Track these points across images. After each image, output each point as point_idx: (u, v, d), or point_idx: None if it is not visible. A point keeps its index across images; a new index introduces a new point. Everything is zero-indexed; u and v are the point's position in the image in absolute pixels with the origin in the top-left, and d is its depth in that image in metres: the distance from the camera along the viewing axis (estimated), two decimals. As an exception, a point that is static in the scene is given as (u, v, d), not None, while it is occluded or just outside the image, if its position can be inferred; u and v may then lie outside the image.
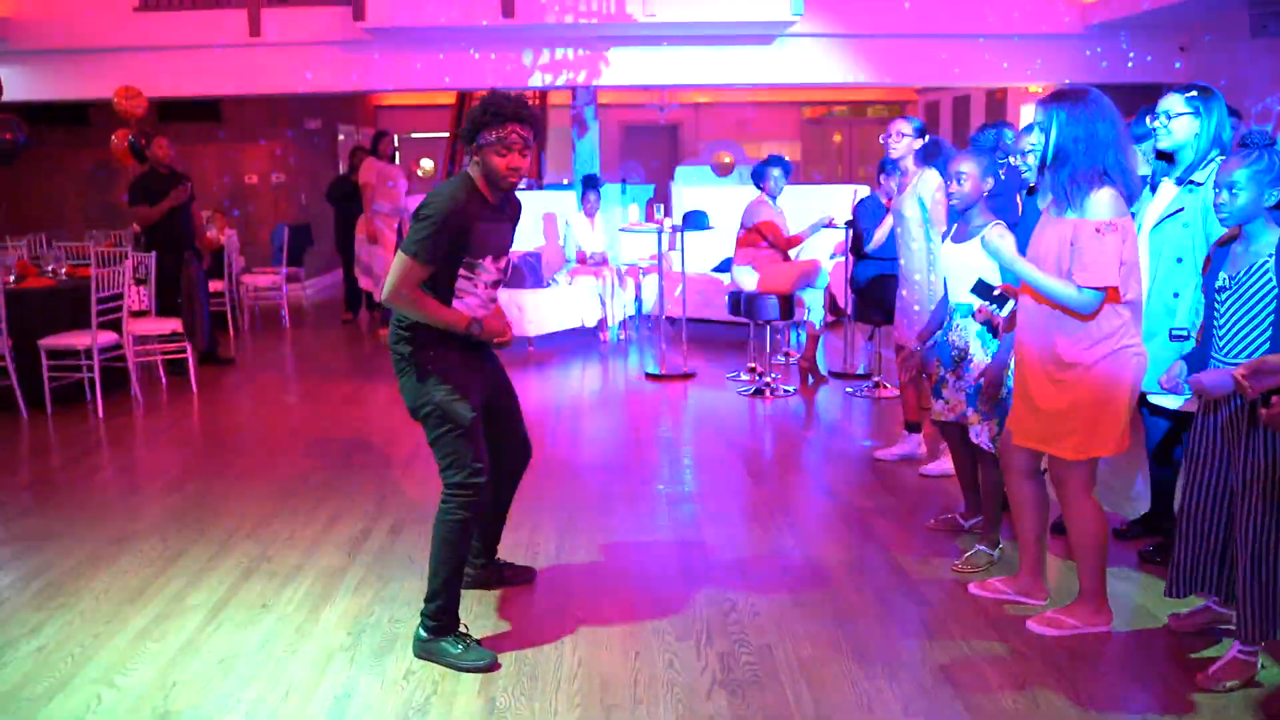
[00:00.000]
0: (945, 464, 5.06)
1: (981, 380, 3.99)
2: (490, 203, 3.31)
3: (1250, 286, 2.94)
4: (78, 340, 6.59)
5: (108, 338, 6.74)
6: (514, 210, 3.51)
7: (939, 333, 4.24)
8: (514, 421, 3.69)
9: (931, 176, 5.17)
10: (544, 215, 9.91)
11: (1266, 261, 2.90)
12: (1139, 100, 4.63)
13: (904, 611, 3.70)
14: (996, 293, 3.85)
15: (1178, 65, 10.51)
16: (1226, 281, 3.02)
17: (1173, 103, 3.87)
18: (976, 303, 3.93)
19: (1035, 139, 3.28)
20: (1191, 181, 3.82)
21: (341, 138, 14.56)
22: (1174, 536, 3.36)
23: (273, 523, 4.68)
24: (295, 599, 3.85)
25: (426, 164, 16.03)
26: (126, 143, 8.41)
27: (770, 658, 3.36)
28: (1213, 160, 3.78)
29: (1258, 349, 2.93)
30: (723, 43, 10.55)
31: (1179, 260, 3.82)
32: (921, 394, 5.29)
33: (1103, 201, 3.17)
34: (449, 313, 3.29)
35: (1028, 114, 12.60)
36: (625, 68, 10.65)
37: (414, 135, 16.23)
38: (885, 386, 6.83)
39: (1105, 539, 3.43)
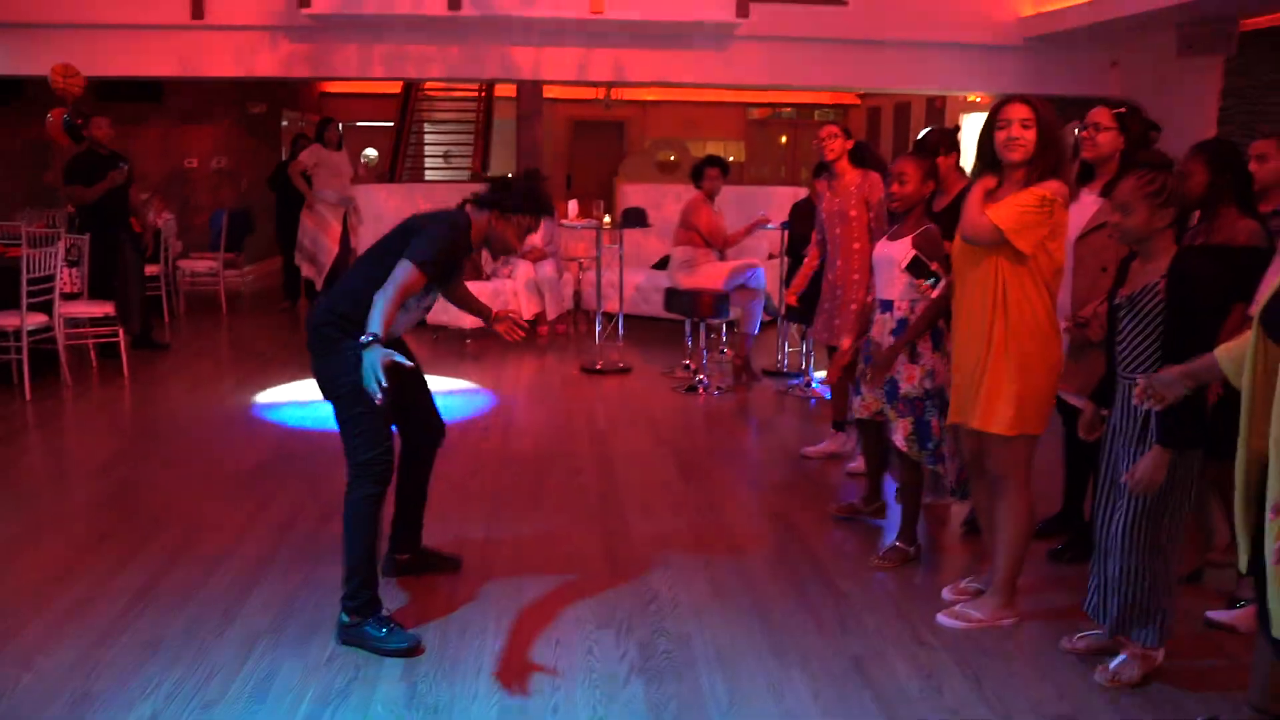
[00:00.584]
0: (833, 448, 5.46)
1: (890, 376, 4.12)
2: (469, 247, 3.54)
3: (1144, 305, 3.04)
4: (6, 321, 6.50)
5: (37, 319, 6.66)
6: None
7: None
8: (425, 403, 3.83)
9: (878, 180, 5.32)
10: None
11: (1158, 282, 3.00)
12: (1072, 115, 4.81)
13: (820, 603, 3.81)
14: (931, 273, 4.00)
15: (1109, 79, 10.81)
16: (1124, 300, 3.13)
17: (1101, 115, 4.04)
18: (910, 281, 4.07)
19: None
20: None
21: (285, 123, 14.43)
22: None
23: (202, 508, 4.68)
24: (222, 584, 3.87)
25: (370, 153, 15.94)
26: (62, 121, 8.29)
27: (688, 647, 3.45)
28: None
29: (1151, 367, 3.03)
30: (669, 44, 10.63)
31: (1104, 270, 3.98)
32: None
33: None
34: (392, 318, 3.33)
35: (966, 122, 12.88)
36: (571, 64, 10.70)
37: (359, 124, 16.13)
38: (815, 385, 6.98)
39: (1031, 535, 3.58)
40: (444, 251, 3.38)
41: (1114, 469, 3.22)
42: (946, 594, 3.89)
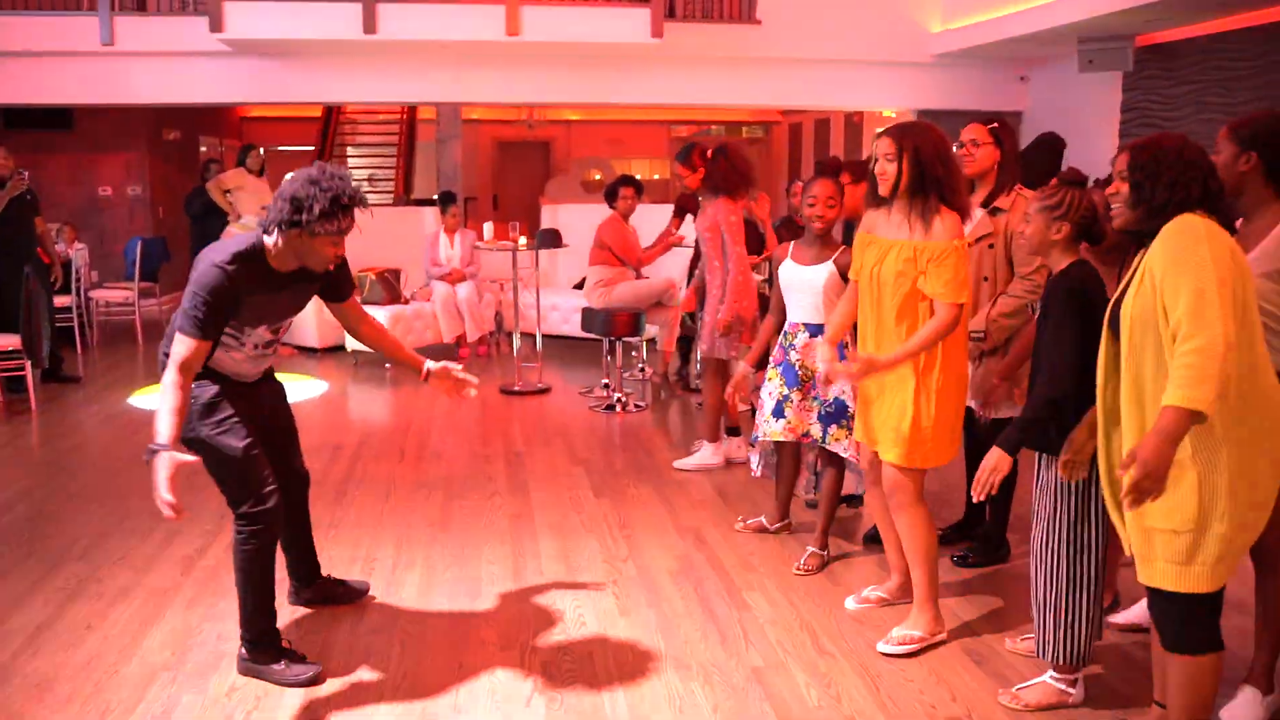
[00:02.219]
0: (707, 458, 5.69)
1: (838, 397, 4.20)
2: (278, 273, 3.22)
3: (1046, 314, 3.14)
4: (-95, 357, 6.34)
5: (-61, 354, 6.50)
6: (308, 273, 3.31)
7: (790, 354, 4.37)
8: (286, 454, 3.64)
9: (764, 199, 5.45)
10: (405, 231, 9.91)
11: (1050, 290, 3.11)
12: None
13: (725, 618, 3.86)
14: None
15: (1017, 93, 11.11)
16: (1037, 308, 3.24)
17: (976, 131, 4.17)
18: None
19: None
20: (996, 207, 4.12)
21: (204, 149, 14.25)
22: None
23: (106, 542, 4.61)
24: (122, 619, 3.82)
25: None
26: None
27: (590, 665, 3.48)
28: (1014, 187, 4.12)
29: None
30: (587, 64, 10.72)
31: (985, 279, 4.12)
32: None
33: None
34: (164, 422, 2.99)
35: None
36: (490, 85, 10.74)
37: (281, 148, 15.97)
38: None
39: (934, 544, 3.60)
40: (212, 304, 3.06)
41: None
42: (850, 603, 3.97)
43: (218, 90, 10.61)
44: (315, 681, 3.33)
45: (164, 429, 2.94)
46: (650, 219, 8.58)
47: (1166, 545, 2.58)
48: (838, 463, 4.31)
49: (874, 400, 3.60)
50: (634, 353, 8.33)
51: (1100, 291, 3.01)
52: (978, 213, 4.16)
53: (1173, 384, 2.40)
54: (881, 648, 3.58)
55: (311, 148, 15.04)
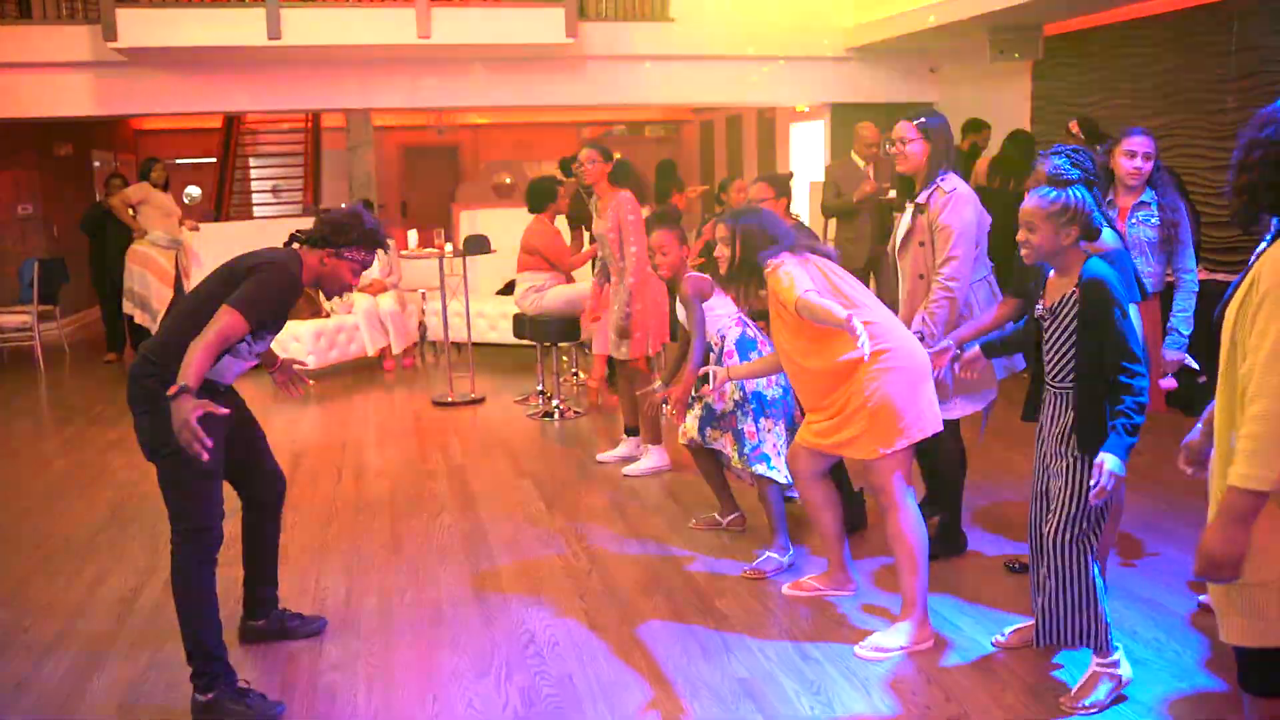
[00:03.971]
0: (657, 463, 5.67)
1: (712, 399, 4.38)
2: (299, 291, 3.35)
3: (1063, 316, 3.07)
4: None
5: None
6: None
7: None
8: (261, 453, 3.62)
9: (627, 197, 5.55)
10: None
11: (1073, 292, 3.03)
12: (896, 120, 4.91)
13: (702, 629, 3.74)
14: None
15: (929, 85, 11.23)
16: (1045, 311, 3.15)
17: (903, 129, 4.12)
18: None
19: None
20: (920, 205, 4.06)
21: (98, 164, 13.63)
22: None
23: (29, 588, 4.30)
24: (58, 672, 3.54)
25: (193, 190, 15.23)
26: None
27: (571, 686, 3.34)
28: (939, 181, 4.05)
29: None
30: (500, 66, 10.52)
31: (920, 276, 4.07)
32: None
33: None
34: (195, 369, 3.02)
35: (796, 132, 13.19)
36: (400, 90, 10.46)
37: (179, 160, 15.40)
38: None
39: (923, 551, 3.51)
40: (273, 298, 3.18)
41: (1045, 477, 3.23)
42: (786, 590, 4.00)
43: (111, 102, 10.11)
44: (280, 723, 3.13)
45: (190, 374, 2.94)
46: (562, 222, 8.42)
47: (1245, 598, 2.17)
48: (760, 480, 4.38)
49: (823, 408, 3.60)
50: (564, 358, 8.17)
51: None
52: (908, 213, 4.13)
53: (1236, 456, 2.06)
54: (860, 654, 3.50)
55: (213, 160, 14.54)
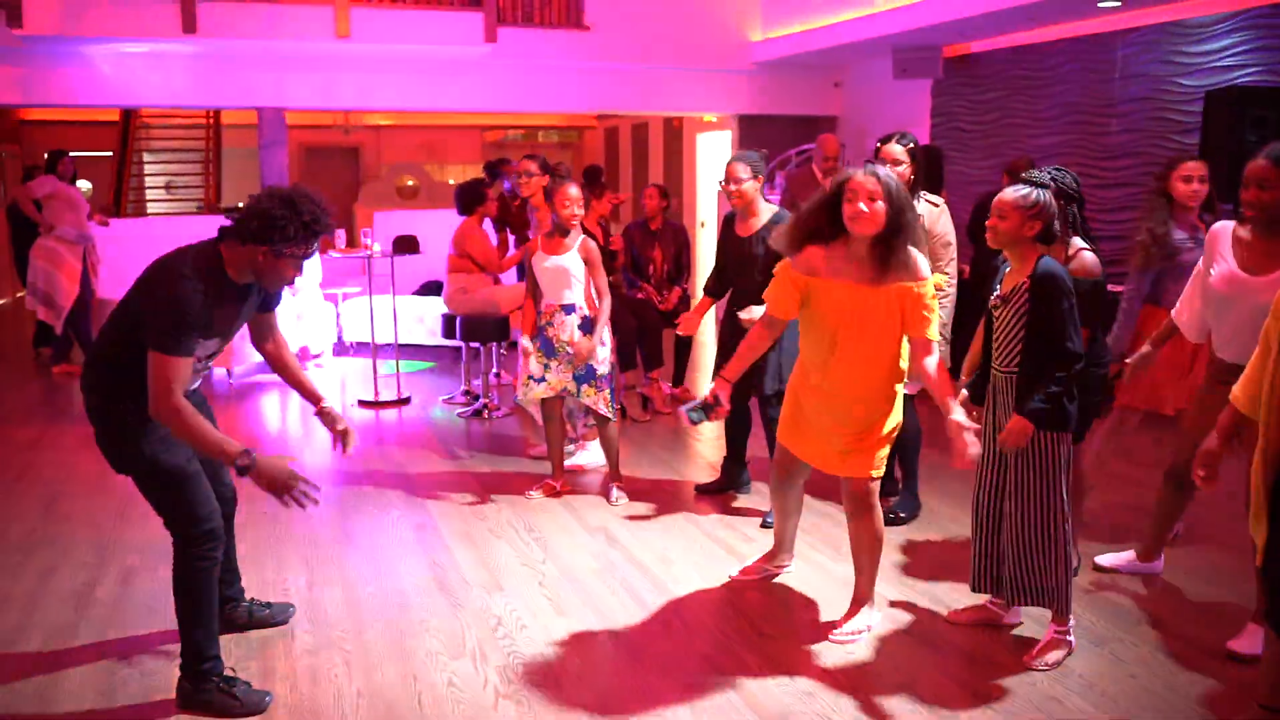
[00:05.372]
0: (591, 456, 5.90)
1: (591, 363, 5.09)
2: (235, 284, 3.14)
3: (1016, 306, 3.38)
4: None
5: None
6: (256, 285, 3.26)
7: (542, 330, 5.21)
8: (220, 467, 3.48)
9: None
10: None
11: (1025, 283, 3.35)
12: (800, 131, 5.26)
13: (663, 611, 3.95)
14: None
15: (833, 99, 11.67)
16: (998, 300, 3.46)
17: (895, 151, 4.45)
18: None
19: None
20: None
21: (-20, 154, 13.14)
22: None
23: (-26, 584, 4.25)
24: (22, 672, 3.52)
25: (84, 185, 14.79)
26: None
27: (546, 665, 3.51)
28: (920, 196, 4.40)
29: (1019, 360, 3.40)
30: (415, 68, 10.56)
31: None
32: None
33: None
34: (217, 438, 3.01)
35: (703, 141, 13.51)
36: (313, 90, 10.41)
37: (72, 154, 14.88)
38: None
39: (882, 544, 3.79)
40: (182, 318, 2.94)
41: (997, 459, 3.53)
42: (734, 574, 4.25)
43: (8, 91, 9.81)
44: (265, 709, 3.21)
45: (228, 443, 3.00)
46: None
47: None
48: (604, 422, 5.19)
49: (839, 428, 3.66)
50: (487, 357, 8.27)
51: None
52: None
53: None
54: (834, 639, 3.68)
55: (109, 154, 14.12)
